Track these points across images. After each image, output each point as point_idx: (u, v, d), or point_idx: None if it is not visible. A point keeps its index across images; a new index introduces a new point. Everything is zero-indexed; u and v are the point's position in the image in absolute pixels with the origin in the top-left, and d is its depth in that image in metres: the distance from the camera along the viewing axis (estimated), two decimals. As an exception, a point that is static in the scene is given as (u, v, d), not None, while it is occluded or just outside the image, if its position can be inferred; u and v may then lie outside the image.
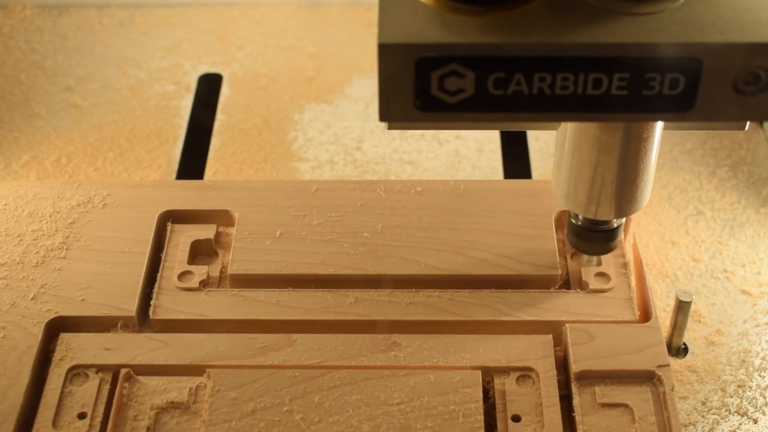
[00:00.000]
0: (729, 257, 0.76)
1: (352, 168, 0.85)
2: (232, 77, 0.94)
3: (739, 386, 0.66)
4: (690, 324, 0.69)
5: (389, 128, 0.53)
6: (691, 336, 0.70)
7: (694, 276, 0.74)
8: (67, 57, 0.97)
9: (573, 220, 0.63)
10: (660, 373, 0.62)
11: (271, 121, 0.89)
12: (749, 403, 0.65)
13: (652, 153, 0.56)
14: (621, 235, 0.63)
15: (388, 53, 0.47)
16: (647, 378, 0.62)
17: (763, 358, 0.68)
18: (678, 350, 0.68)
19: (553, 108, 0.48)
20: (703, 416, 0.65)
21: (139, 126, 0.89)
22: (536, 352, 0.63)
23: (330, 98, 0.92)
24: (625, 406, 0.61)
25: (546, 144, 0.87)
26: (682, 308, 0.66)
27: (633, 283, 0.68)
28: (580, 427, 0.60)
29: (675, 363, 0.68)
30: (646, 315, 0.66)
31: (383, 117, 0.49)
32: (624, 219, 0.62)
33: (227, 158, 0.85)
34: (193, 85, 0.93)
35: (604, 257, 0.69)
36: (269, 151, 0.86)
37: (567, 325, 0.64)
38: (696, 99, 0.47)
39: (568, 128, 0.56)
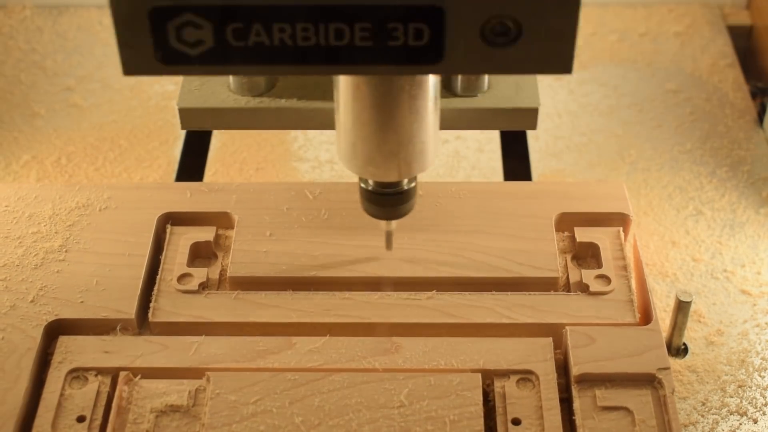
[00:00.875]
0: (729, 257, 0.76)
1: None
2: None
3: (739, 386, 0.67)
4: (690, 324, 0.70)
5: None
6: (691, 336, 0.70)
7: (694, 276, 0.74)
8: (67, 57, 0.97)
9: (362, 185, 0.61)
10: (660, 376, 0.62)
11: None
12: (749, 403, 0.66)
13: (427, 110, 0.54)
14: (413, 198, 0.61)
15: (119, 3, 0.44)
16: (648, 381, 0.62)
17: (763, 358, 0.68)
18: (678, 350, 0.69)
19: (297, 60, 0.46)
20: (703, 416, 0.65)
21: (139, 126, 0.89)
22: (536, 354, 0.63)
23: None
24: (626, 409, 0.61)
25: (546, 144, 0.87)
26: (682, 308, 0.66)
27: (633, 286, 0.67)
28: (580, 431, 0.60)
29: (675, 363, 0.68)
30: (646, 317, 0.66)
31: (126, 71, 0.47)
32: (415, 182, 0.60)
33: (227, 158, 0.85)
34: None
35: (605, 259, 0.69)
36: (269, 151, 0.86)
37: (567, 327, 0.64)
38: (444, 50, 0.45)
39: (339, 86, 0.54)
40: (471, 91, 0.60)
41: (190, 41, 0.46)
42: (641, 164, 0.85)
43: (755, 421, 0.64)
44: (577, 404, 0.61)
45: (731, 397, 0.66)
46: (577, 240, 0.70)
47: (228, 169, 0.84)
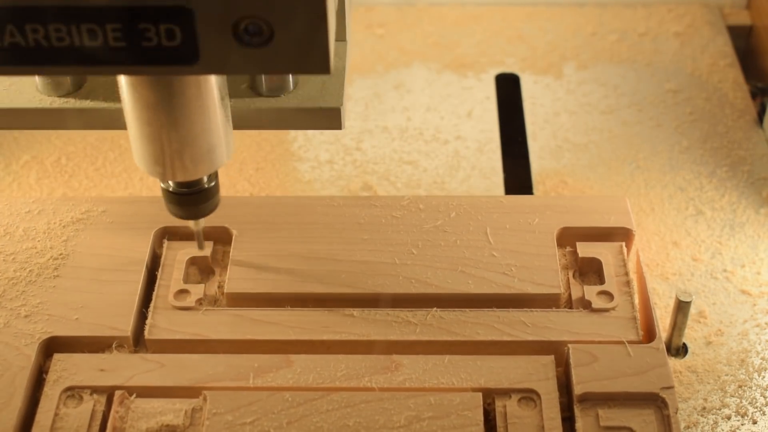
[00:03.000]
0: (729, 257, 0.76)
1: (352, 168, 0.85)
2: None
3: (739, 386, 0.66)
4: (690, 324, 0.69)
5: None
6: (691, 336, 0.70)
7: (694, 276, 0.74)
8: None
9: (162, 185, 0.61)
10: (664, 396, 0.61)
11: None
12: (749, 403, 0.65)
13: (209, 109, 0.54)
14: (216, 196, 0.61)
15: None
16: (651, 400, 0.61)
17: (763, 358, 0.68)
18: (678, 350, 0.68)
19: (55, 61, 0.46)
20: (703, 416, 0.64)
21: None
22: (538, 373, 0.62)
23: None
24: (629, 429, 0.60)
25: (546, 144, 0.87)
26: (682, 308, 0.66)
27: (636, 302, 0.67)
28: (582, 451, 0.59)
29: (675, 363, 0.67)
30: (649, 335, 0.65)
31: None
32: (215, 180, 0.61)
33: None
34: None
35: (607, 275, 0.68)
36: (269, 151, 0.86)
37: (569, 345, 0.63)
38: (199, 51, 0.45)
39: (120, 86, 0.54)
40: (276, 91, 0.60)
41: None
42: (641, 164, 0.85)
43: (755, 422, 0.64)
44: (579, 424, 0.60)
45: (731, 397, 0.66)
46: (579, 255, 0.69)
47: (228, 169, 0.83)
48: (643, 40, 0.99)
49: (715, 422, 0.64)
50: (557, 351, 0.64)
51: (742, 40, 1.02)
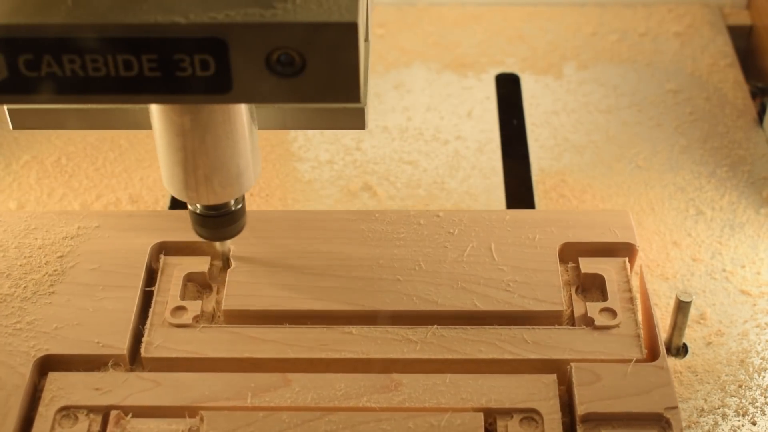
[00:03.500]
0: (729, 257, 0.76)
1: (352, 168, 0.84)
2: None
3: (739, 386, 0.66)
4: (690, 324, 0.69)
5: None
6: (691, 336, 0.69)
7: (695, 276, 0.74)
8: None
9: (190, 207, 0.62)
10: (668, 416, 0.60)
11: None
12: (749, 403, 0.65)
13: (238, 135, 0.55)
14: (243, 218, 0.63)
15: None
16: (655, 421, 0.60)
17: (763, 358, 0.68)
18: (678, 350, 0.68)
19: (90, 90, 0.47)
20: (703, 416, 0.64)
21: None
22: (540, 392, 0.62)
23: None
24: (633, 450, 0.59)
25: (546, 144, 0.87)
26: (682, 308, 0.66)
27: (640, 319, 0.66)
28: (585, 473, 0.58)
29: (675, 363, 0.67)
30: (653, 353, 0.64)
31: None
32: (243, 202, 0.62)
33: None
34: None
35: (610, 291, 0.67)
36: (269, 151, 0.86)
37: (572, 364, 0.63)
38: (232, 81, 0.47)
39: (151, 113, 0.55)
40: None
41: None
42: (641, 164, 0.84)
43: (754, 422, 0.64)
44: (582, 445, 0.59)
45: (731, 397, 0.65)
46: (582, 271, 0.68)
47: (228, 169, 0.83)
48: (644, 40, 0.99)
49: (715, 422, 0.64)
50: (560, 369, 0.63)
51: (742, 40, 1.02)
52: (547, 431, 0.60)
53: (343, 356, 0.64)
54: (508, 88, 0.94)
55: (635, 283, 0.69)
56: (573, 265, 0.70)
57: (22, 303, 0.67)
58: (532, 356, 0.64)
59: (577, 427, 0.60)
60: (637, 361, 0.63)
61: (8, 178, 0.83)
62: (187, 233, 0.70)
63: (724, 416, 0.64)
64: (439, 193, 0.82)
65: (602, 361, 0.63)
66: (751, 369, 0.67)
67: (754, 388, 0.66)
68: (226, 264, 0.68)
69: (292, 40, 0.45)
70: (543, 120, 0.90)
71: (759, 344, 0.69)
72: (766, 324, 0.70)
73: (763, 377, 0.67)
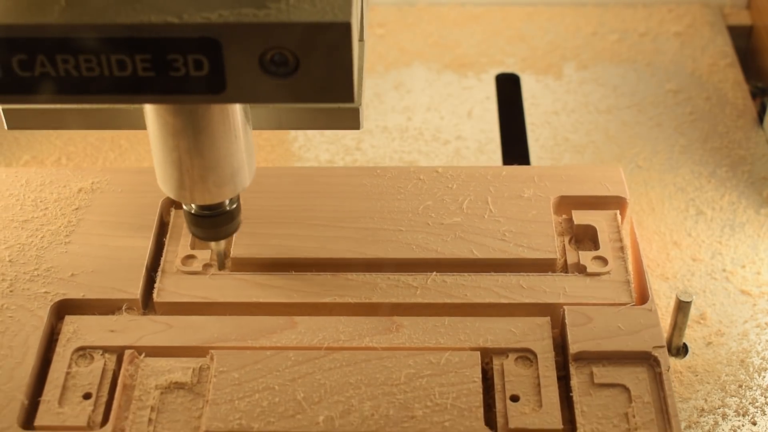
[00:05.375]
0: (729, 257, 0.76)
1: None
2: None
3: (740, 386, 0.67)
4: (690, 324, 0.70)
5: None
6: (691, 336, 0.70)
7: (695, 276, 0.74)
8: None
9: (185, 207, 0.61)
10: (656, 354, 0.63)
11: None
12: (749, 403, 0.66)
13: (232, 135, 0.55)
14: (237, 219, 0.62)
15: None
16: (644, 359, 0.63)
17: (763, 358, 0.69)
18: (678, 350, 0.69)
19: (84, 90, 0.47)
20: (703, 416, 0.65)
21: None
22: (534, 333, 0.64)
23: None
24: (622, 386, 0.62)
25: (546, 144, 0.87)
26: (682, 308, 0.66)
27: (630, 267, 0.68)
28: (577, 407, 0.61)
29: (675, 363, 0.68)
30: (642, 297, 0.67)
31: None
32: (237, 202, 0.61)
33: None
34: None
35: (602, 241, 0.70)
36: (269, 151, 0.86)
37: (565, 307, 0.65)
38: (226, 81, 0.47)
39: (146, 113, 0.55)
40: None
41: None
42: (641, 164, 0.85)
43: (754, 422, 0.65)
44: (574, 381, 0.62)
45: (731, 397, 0.66)
46: (575, 222, 0.71)
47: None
48: (644, 40, 0.99)
49: (715, 422, 0.65)
50: (553, 313, 0.66)
51: (742, 40, 1.02)
52: (541, 369, 0.62)
53: (346, 300, 0.67)
54: (508, 88, 0.94)
55: (626, 233, 0.71)
56: (566, 217, 0.72)
57: (39, 251, 0.69)
58: (527, 300, 0.66)
59: (570, 365, 0.63)
60: (627, 304, 0.66)
61: (9, 178, 0.84)
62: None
63: (724, 416, 0.65)
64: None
65: (594, 304, 0.66)
66: (751, 369, 0.68)
67: (754, 388, 0.67)
68: (222, 264, 0.68)
69: (286, 40, 0.45)
70: (543, 120, 0.90)
71: (759, 344, 0.69)
72: (766, 324, 0.71)
73: (763, 377, 0.67)
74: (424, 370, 0.62)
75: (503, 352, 0.64)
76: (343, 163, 0.85)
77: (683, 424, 0.63)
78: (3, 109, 0.60)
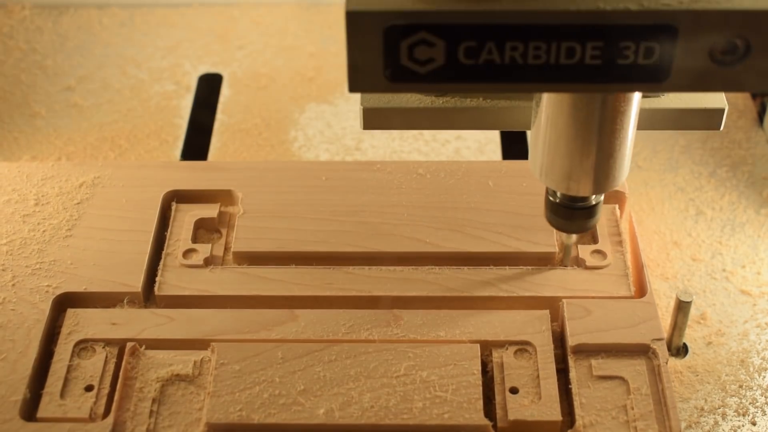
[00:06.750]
0: (729, 257, 0.76)
1: None
2: (232, 77, 0.94)
3: (740, 386, 0.67)
4: (690, 324, 0.70)
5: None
6: (691, 336, 0.70)
7: (695, 276, 0.74)
8: (67, 57, 0.97)
9: (551, 198, 0.61)
10: (654, 347, 0.63)
11: (271, 121, 0.89)
12: (750, 402, 0.66)
13: (630, 126, 0.55)
14: (599, 213, 0.62)
15: (355, 21, 0.45)
16: (642, 351, 0.63)
17: (763, 358, 0.69)
18: (678, 350, 0.69)
19: (525, 78, 0.47)
20: (703, 416, 0.65)
21: (139, 126, 0.89)
22: (533, 326, 0.65)
23: (330, 98, 0.92)
24: (621, 378, 0.62)
25: None
26: (682, 308, 0.66)
27: (629, 260, 0.69)
28: (576, 399, 0.61)
29: (675, 363, 0.68)
30: (641, 291, 0.67)
31: (352, 88, 0.48)
32: (602, 196, 0.61)
33: (227, 158, 0.85)
34: (193, 85, 0.93)
35: (601, 235, 0.70)
36: (269, 151, 0.86)
37: (564, 300, 0.66)
38: (672, 68, 0.46)
39: (543, 101, 0.55)
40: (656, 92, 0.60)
41: (421, 59, 0.47)
42: (641, 164, 0.85)
43: (755, 422, 0.65)
44: (573, 374, 0.62)
45: (731, 397, 0.66)
46: (574, 216, 0.71)
47: (228, 169, 0.83)
48: None
49: (716, 422, 0.65)
50: (552, 306, 0.66)
51: None
52: (540, 361, 0.63)
53: (346, 294, 0.67)
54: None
55: (624, 227, 0.72)
56: (566, 211, 0.73)
57: (41, 245, 0.70)
58: (526, 294, 0.67)
59: (569, 357, 0.63)
60: (626, 297, 0.66)
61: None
62: (198, 182, 0.74)
63: (724, 416, 0.65)
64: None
65: (592, 297, 0.66)
66: (751, 369, 0.68)
67: (755, 388, 0.67)
68: (567, 261, 0.68)
69: (743, 28, 0.45)
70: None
71: (759, 344, 0.69)
72: (766, 324, 0.71)
73: (764, 377, 0.67)
74: (424, 362, 0.63)
75: (502, 344, 0.64)
76: (343, 162, 0.85)
77: (683, 425, 0.64)
78: (364, 110, 0.59)
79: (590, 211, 0.61)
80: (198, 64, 0.96)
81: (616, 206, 0.72)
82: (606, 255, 0.69)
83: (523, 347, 0.64)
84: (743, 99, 0.91)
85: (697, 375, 0.68)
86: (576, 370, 0.62)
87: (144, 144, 0.87)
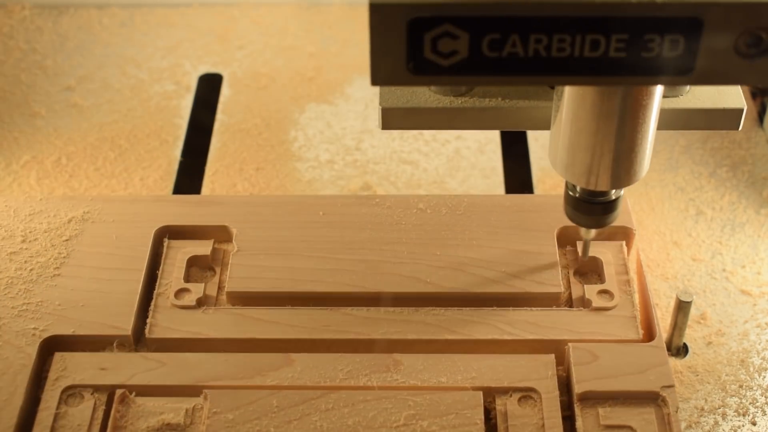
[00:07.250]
0: (729, 257, 0.76)
1: (352, 168, 0.85)
2: (232, 77, 0.94)
3: (740, 386, 0.66)
4: (690, 324, 0.69)
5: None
6: (691, 336, 0.70)
7: (695, 276, 0.74)
8: (67, 57, 0.97)
9: (570, 192, 0.61)
10: (664, 394, 0.61)
11: (271, 121, 0.89)
12: (750, 402, 0.65)
13: (652, 120, 0.54)
14: (620, 207, 0.61)
15: (379, 13, 0.45)
16: (651, 399, 0.61)
17: (763, 358, 0.68)
18: (678, 350, 0.68)
19: (549, 71, 0.47)
20: (703, 416, 0.64)
21: (139, 126, 0.89)
22: (538, 372, 0.63)
23: (330, 98, 0.92)
24: (629, 428, 0.60)
25: (546, 144, 0.86)
26: (682, 308, 0.66)
27: (636, 301, 0.67)
28: (583, 450, 0.59)
29: (675, 363, 0.68)
30: (650, 334, 0.65)
31: (375, 81, 0.48)
32: (622, 191, 0.60)
33: (227, 158, 0.85)
34: (193, 85, 0.93)
35: (608, 274, 0.68)
36: (269, 151, 0.86)
37: (570, 344, 0.64)
38: (696, 61, 0.46)
39: (565, 95, 0.54)
40: (674, 91, 0.60)
41: (444, 52, 0.46)
42: None
43: (755, 422, 0.64)
44: (579, 422, 0.60)
45: (732, 397, 0.66)
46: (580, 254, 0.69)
47: (228, 169, 0.83)
48: None
49: (716, 422, 0.64)
50: (558, 350, 0.64)
51: None
52: (545, 409, 0.61)
53: (344, 337, 0.65)
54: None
55: (632, 266, 0.69)
56: (571, 248, 0.71)
57: (28, 285, 0.67)
58: (531, 337, 0.65)
59: (575, 405, 0.61)
60: (634, 341, 0.64)
61: (8, 178, 0.83)
62: (190, 218, 0.72)
63: (724, 416, 0.64)
64: (439, 193, 0.81)
65: (599, 341, 0.64)
66: (751, 369, 0.68)
67: (755, 387, 0.66)
68: (586, 254, 0.68)
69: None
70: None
71: (759, 344, 0.69)
72: (766, 324, 0.71)
73: (764, 377, 0.67)
74: (424, 411, 0.60)
75: (506, 391, 0.62)
76: (343, 162, 0.85)
77: (683, 424, 0.63)
78: (383, 110, 0.59)
79: (610, 205, 0.60)
80: (198, 64, 0.96)
81: (623, 243, 0.70)
82: (613, 295, 0.67)
83: (527, 394, 0.62)
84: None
85: (697, 375, 0.67)
86: (582, 419, 0.60)
87: (144, 144, 0.87)
